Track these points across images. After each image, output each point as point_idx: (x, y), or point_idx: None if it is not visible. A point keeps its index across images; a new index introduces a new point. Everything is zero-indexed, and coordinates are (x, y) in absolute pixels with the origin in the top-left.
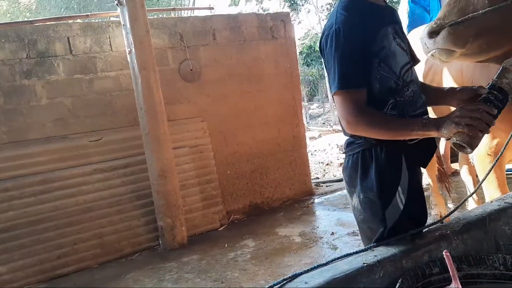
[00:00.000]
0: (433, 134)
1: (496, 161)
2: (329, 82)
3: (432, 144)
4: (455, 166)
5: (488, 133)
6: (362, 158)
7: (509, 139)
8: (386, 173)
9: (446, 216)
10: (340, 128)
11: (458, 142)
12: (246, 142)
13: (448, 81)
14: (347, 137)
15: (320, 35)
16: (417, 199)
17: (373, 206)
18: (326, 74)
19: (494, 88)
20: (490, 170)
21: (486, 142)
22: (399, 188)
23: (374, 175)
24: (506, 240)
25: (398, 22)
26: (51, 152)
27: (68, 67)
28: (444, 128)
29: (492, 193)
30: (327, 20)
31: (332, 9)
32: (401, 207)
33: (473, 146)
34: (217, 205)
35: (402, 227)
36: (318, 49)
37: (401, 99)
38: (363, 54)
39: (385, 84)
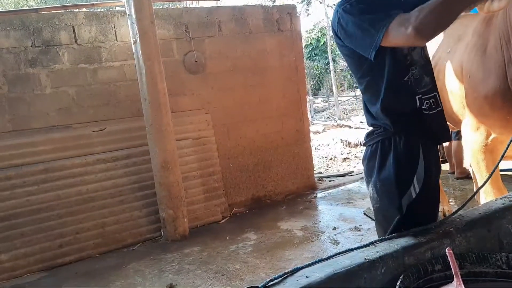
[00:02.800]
0: None
1: (497, 166)
2: (363, 45)
3: (444, 121)
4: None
5: None
6: (381, 148)
7: (510, 142)
8: (404, 162)
9: (450, 216)
10: (346, 123)
11: None
12: (249, 135)
13: (450, 77)
14: (369, 126)
15: (326, 28)
16: (430, 190)
17: (390, 194)
18: (331, 68)
19: None
20: (491, 175)
21: (482, 139)
22: (415, 178)
23: (392, 164)
24: (510, 238)
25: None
26: (54, 141)
27: (72, 56)
28: None
29: (485, 188)
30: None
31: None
32: (414, 195)
33: None
34: (219, 197)
35: (411, 215)
36: (334, 35)
37: (414, 72)
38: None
39: (398, 57)
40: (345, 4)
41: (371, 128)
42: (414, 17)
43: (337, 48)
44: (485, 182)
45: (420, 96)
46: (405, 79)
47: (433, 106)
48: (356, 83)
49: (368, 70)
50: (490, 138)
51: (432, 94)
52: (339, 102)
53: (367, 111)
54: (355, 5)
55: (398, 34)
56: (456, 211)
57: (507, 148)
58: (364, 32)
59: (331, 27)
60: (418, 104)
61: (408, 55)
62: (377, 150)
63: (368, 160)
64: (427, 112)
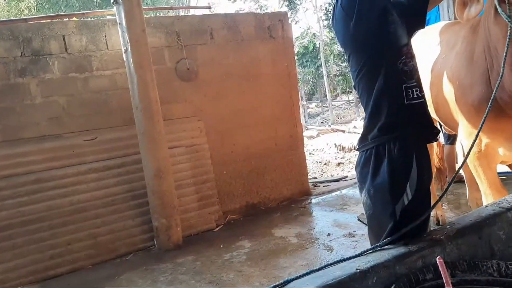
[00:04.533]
0: None
1: (475, 140)
2: None
3: (430, 115)
4: None
5: None
6: (375, 154)
7: (483, 121)
8: (398, 169)
9: (435, 204)
10: (339, 128)
11: None
12: (243, 141)
13: (445, 83)
14: (364, 128)
15: (318, 34)
16: (422, 196)
17: (384, 200)
18: (324, 73)
19: None
20: (470, 149)
21: (476, 143)
22: (408, 184)
23: (387, 170)
24: (501, 245)
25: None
26: (45, 151)
27: (63, 66)
28: None
29: (485, 190)
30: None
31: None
32: (406, 202)
33: None
34: (213, 205)
35: (403, 222)
36: (331, 24)
37: (406, 62)
38: None
39: (399, 44)
40: None
41: (365, 130)
42: None
43: (342, 39)
44: (461, 167)
45: (408, 85)
46: (397, 64)
47: (420, 96)
48: (354, 77)
49: (369, 58)
50: (483, 143)
51: (420, 88)
52: (333, 106)
53: (365, 103)
54: None
55: None
56: (437, 201)
57: (482, 124)
58: None
59: (336, 20)
60: (405, 95)
61: (405, 47)
62: (371, 156)
63: (362, 166)
64: (415, 101)
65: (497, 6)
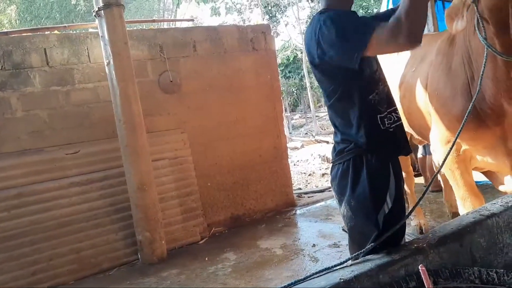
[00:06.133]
0: None
1: (453, 145)
2: (343, 54)
3: (404, 133)
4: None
5: None
6: (353, 165)
7: (459, 132)
8: (377, 178)
9: (412, 209)
10: (323, 139)
11: None
12: (227, 153)
13: (418, 94)
14: (337, 144)
15: (301, 46)
16: (400, 203)
17: (366, 210)
18: (308, 85)
19: None
20: (447, 156)
21: (453, 151)
22: (388, 194)
23: (367, 180)
24: (482, 252)
25: None
26: (26, 165)
27: (44, 79)
28: None
29: (462, 194)
30: (308, 28)
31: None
32: (386, 211)
33: None
34: (197, 217)
35: (385, 230)
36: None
37: (378, 92)
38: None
39: (370, 72)
40: (326, 13)
41: (340, 145)
42: (398, 27)
43: (316, 62)
44: (439, 170)
45: (383, 115)
46: (370, 98)
47: (395, 119)
48: (326, 100)
49: (343, 89)
50: (462, 149)
51: (393, 108)
52: (317, 117)
53: (339, 125)
54: (336, 15)
55: (387, 43)
56: (417, 204)
57: (460, 131)
58: (349, 40)
59: (307, 38)
60: (381, 123)
61: (377, 72)
62: (349, 168)
63: (340, 178)
64: (393, 125)
65: (475, 26)
